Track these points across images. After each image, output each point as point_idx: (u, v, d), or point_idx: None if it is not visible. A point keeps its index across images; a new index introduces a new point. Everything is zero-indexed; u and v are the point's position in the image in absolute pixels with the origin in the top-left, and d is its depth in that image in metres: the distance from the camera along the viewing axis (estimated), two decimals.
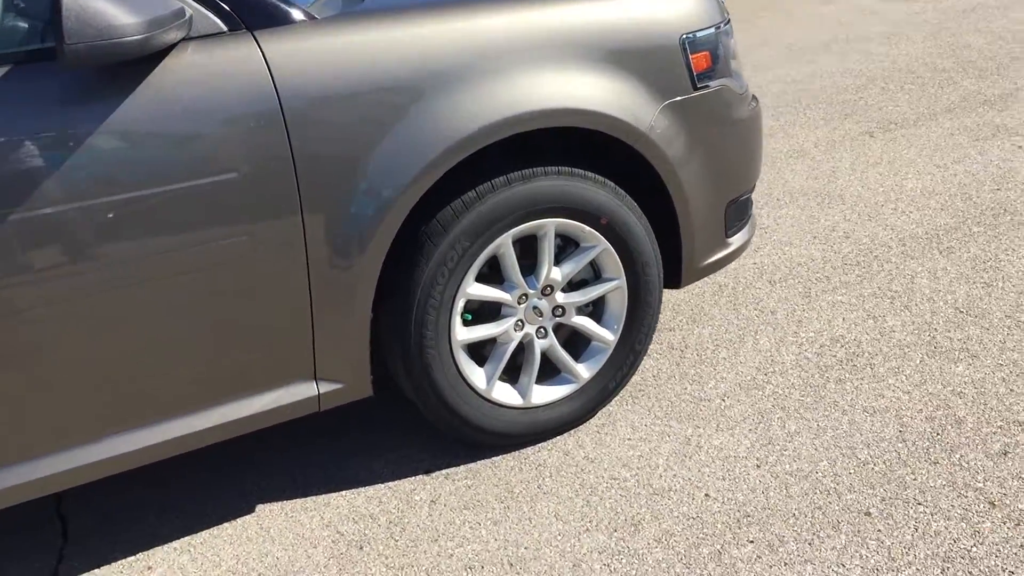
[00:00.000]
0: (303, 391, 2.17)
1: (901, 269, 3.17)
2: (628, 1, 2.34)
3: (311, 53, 1.97)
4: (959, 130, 4.45)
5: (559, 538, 2.12)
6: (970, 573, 1.90)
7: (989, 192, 3.72)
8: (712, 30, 2.45)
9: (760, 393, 2.57)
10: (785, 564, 1.98)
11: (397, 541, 2.17)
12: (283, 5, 1.98)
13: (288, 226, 2.00)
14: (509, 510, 2.23)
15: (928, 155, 4.18)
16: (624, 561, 2.03)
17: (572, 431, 2.49)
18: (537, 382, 2.43)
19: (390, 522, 2.24)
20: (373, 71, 2.02)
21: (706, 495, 2.21)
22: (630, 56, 2.30)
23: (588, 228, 2.34)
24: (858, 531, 2.05)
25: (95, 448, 2.00)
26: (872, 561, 1.96)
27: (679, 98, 2.38)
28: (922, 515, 2.07)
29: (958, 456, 2.25)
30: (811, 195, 3.86)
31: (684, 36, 2.38)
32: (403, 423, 2.59)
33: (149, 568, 2.17)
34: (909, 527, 2.04)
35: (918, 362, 2.64)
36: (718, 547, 2.04)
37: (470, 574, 2.04)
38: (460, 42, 2.11)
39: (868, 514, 2.09)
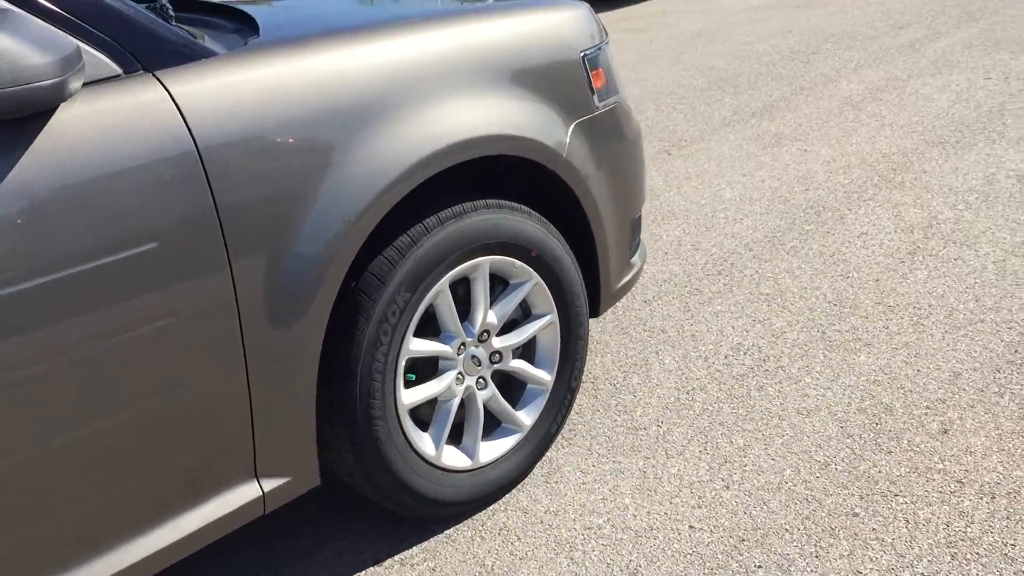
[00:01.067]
0: (245, 494, 1.81)
1: (761, 272, 3.25)
2: (529, 17, 2.20)
3: (229, 88, 1.66)
4: (744, 140, 4.71)
5: None
6: (976, 554, 1.92)
7: (801, 192, 3.93)
8: (602, 47, 2.37)
9: (691, 412, 2.50)
10: None
11: None
12: (183, 40, 1.66)
13: (218, 293, 1.66)
14: None
15: (728, 165, 4.37)
16: None
17: (519, 486, 2.29)
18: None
19: None
20: (292, 109, 1.74)
21: (691, 527, 2.09)
22: (540, 75, 2.16)
23: (519, 263, 2.16)
24: (855, 534, 2.01)
25: None
26: (884, 562, 1.92)
27: (586, 117, 2.27)
28: (905, 506, 2.07)
29: (905, 442, 2.28)
30: (642, 214, 3.90)
31: (583, 53, 2.28)
32: (320, 516, 2.26)
33: None
34: (899, 521, 2.03)
35: (822, 358, 2.69)
36: None
37: None
38: (371, 73, 1.87)
39: (856, 515, 2.06)
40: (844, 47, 6.49)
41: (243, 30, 1.92)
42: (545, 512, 2.19)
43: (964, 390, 2.45)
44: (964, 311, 2.84)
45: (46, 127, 1.47)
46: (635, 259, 2.60)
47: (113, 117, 1.53)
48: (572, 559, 2.03)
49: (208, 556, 2.14)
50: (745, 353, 2.76)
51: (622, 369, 2.74)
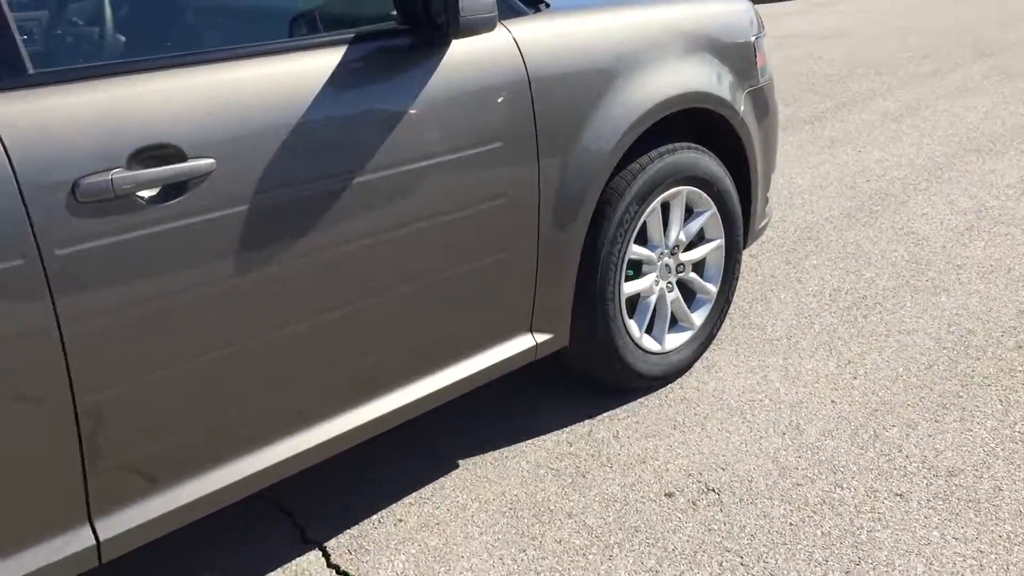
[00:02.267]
0: (523, 343, 2.41)
1: (844, 239, 3.90)
2: (723, 7, 2.85)
3: (548, 33, 2.29)
4: (803, 142, 5.38)
5: (746, 445, 2.52)
6: None
7: (863, 183, 4.60)
8: (762, 34, 3.02)
9: (812, 330, 3.13)
10: (941, 434, 2.52)
11: (611, 466, 2.46)
12: (475, 12, 2.25)
13: (528, 189, 2.27)
14: (686, 434, 2.60)
15: (795, 160, 5.03)
16: (809, 454, 2.47)
17: (688, 372, 2.90)
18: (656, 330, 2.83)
19: (591, 455, 2.52)
20: (599, 47, 2.37)
21: (832, 401, 2.71)
22: (729, 51, 2.80)
23: (704, 195, 2.79)
24: (963, 408, 2.64)
25: (345, 418, 2.11)
26: (988, 424, 2.55)
27: (753, 87, 2.91)
28: (998, 392, 2.71)
29: (990, 352, 2.92)
30: None
31: (753, 37, 2.92)
32: (529, 390, 2.85)
33: (399, 520, 2.29)
34: (995, 401, 2.66)
35: (910, 298, 3.33)
36: (873, 433, 2.55)
37: (692, 479, 2.39)
38: (638, 34, 2.51)
39: (960, 396, 2.69)
40: (874, 72, 7.21)
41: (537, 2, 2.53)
42: (713, 390, 2.81)
43: None
44: (1020, 270, 3.50)
45: (447, 53, 2.08)
46: (768, 210, 3.24)
47: (483, 52, 2.14)
48: (744, 419, 2.65)
49: (443, 412, 2.72)
50: (846, 293, 3.39)
51: (746, 302, 3.37)
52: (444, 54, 2.07)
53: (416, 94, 2.02)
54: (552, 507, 2.32)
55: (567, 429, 2.65)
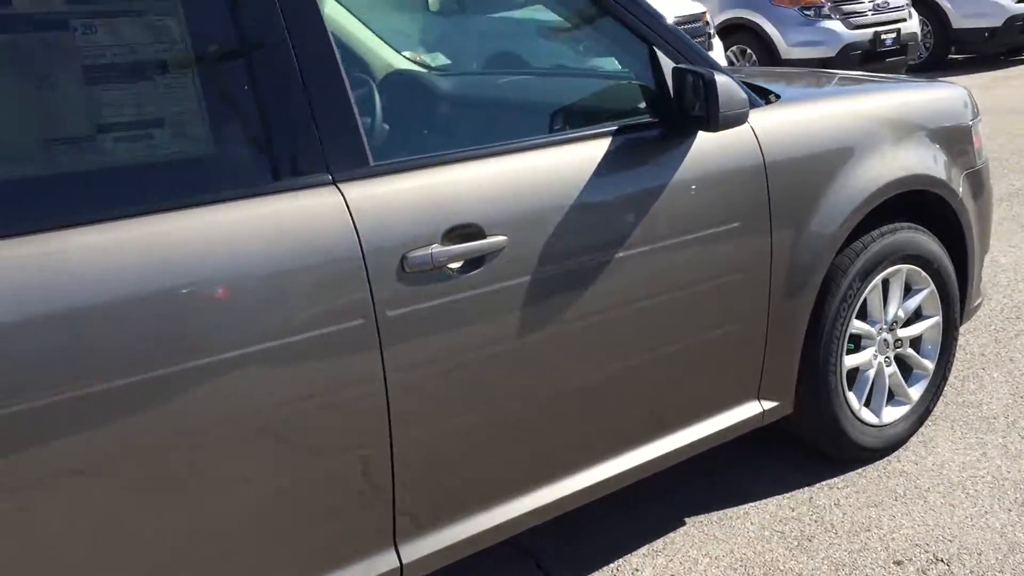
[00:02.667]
0: (751, 409, 2.57)
1: None
2: (939, 93, 2.98)
3: (780, 124, 2.49)
4: (1001, 220, 5.32)
5: (971, 519, 2.58)
6: None
7: None
8: (979, 118, 3.12)
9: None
10: None
11: (836, 532, 2.57)
12: (756, 96, 2.49)
13: (762, 265, 2.46)
14: (908, 505, 2.67)
15: (994, 239, 4.98)
16: None
17: (904, 447, 2.97)
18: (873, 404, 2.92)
19: (814, 520, 2.63)
20: (828, 135, 2.55)
21: None
22: (947, 136, 2.92)
23: (923, 273, 2.89)
24: None
25: (597, 470, 2.32)
26: None
27: (970, 170, 3.01)
28: None
29: None
30: None
31: (971, 121, 3.03)
32: (746, 456, 2.98)
33: (636, 570, 2.47)
34: None
35: None
36: None
37: (920, 549, 2.46)
38: (862, 121, 2.67)
39: None
40: None
41: (767, 92, 2.73)
42: (932, 464, 2.87)
43: None
44: None
45: (695, 143, 2.31)
46: (982, 288, 3.29)
47: (726, 140, 2.36)
48: (967, 493, 2.70)
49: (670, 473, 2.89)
50: None
51: (959, 379, 3.40)
52: (692, 143, 2.31)
53: (669, 179, 2.25)
54: (782, 567, 2.44)
55: (787, 495, 2.77)
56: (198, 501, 1.72)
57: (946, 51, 11.83)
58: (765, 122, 2.47)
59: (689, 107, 2.24)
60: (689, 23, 8.10)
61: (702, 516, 2.69)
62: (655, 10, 2.34)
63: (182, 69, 1.74)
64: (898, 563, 2.43)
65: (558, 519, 2.52)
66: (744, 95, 2.20)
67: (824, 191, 2.55)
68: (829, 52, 10.10)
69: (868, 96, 2.78)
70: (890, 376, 2.92)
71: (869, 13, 10.31)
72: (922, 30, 11.14)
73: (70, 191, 1.62)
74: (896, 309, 2.87)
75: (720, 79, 2.13)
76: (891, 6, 10.39)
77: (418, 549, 2.01)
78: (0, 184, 1.55)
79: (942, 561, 2.42)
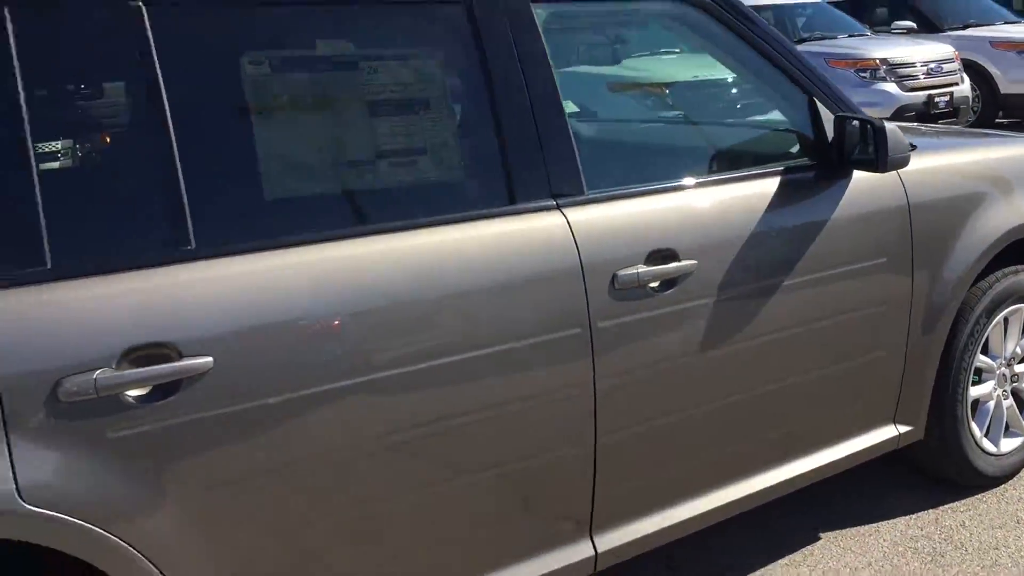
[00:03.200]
0: (887, 433, 2.78)
1: None
2: None
3: (922, 170, 2.72)
4: None
5: None
6: None
7: None
8: None
9: None
10: None
11: (966, 550, 2.75)
12: (898, 153, 2.69)
13: (904, 298, 2.67)
14: None
15: None
16: None
17: (1018, 476, 3.14)
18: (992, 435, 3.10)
19: (943, 539, 2.81)
20: (961, 183, 2.79)
21: None
22: None
23: None
24: None
25: (752, 481, 2.53)
26: None
27: None
28: None
29: None
30: None
31: None
32: (871, 480, 3.17)
33: None
34: None
35: None
36: None
37: None
38: (991, 170, 2.91)
39: None
40: None
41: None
42: None
43: None
44: None
45: (850, 183, 2.54)
46: None
47: (876, 182, 2.59)
48: None
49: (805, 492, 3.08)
50: None
51: None
52: (848, 184, 2.55)
53: (828, 215, 2.49)
54: None
55: (914, 516, 2.95)
56: (443, 483, 1.95)
57: (994, 115, 12.06)
58: (909, 168, 2.70)
59: (850, 151, 2.48)
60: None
61: (836, 531, 2.88)
62: (812, 63, 2.60)
63: (441, 107, 2.01)
64: None
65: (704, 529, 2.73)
66: (907, 142, 2.44)
67: (959, 233, 2.78)
68: (885, 112, 10.33)
69: (994, 148, 3.01)
70: (1008, 408, 3.11)
71: (922, 76, 10.55)
72: (972, 94, 11.39)
73: (355, 207, 1.88)
74: (1015, 346, 3.07)
75: (889, 126, 2.37)
76: (944, 70, 10.65)
77: (611, 540, 2.23)
78: (314, 197, 1.82)
79: None
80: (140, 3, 1.70)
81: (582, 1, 2.30)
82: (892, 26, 11.99)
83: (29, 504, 1.53)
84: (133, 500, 1.62)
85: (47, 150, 1.64)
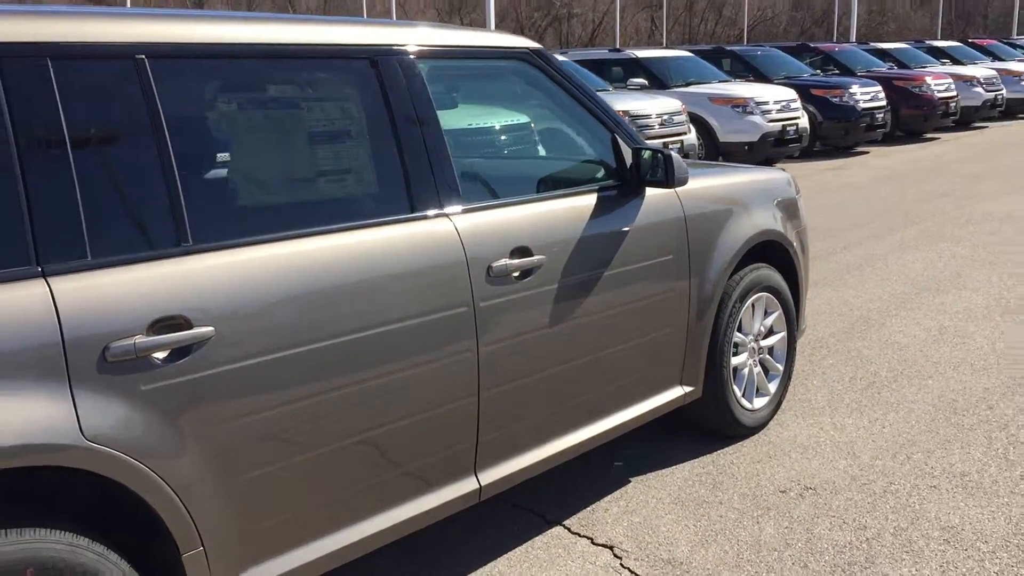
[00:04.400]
0: (677, 392, 3.60)
1: (847, 347, 5.20)
2: (777, 175, 4.23)
3: (692, 190, 3.59)
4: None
5: (824, 464, 3.70)
6: None
7: (848, 311, 5.96)
8: (800, 194, 4.40)
9: (843, 402, 4.36)
10: (949, 456, 3.73)
11: (736, 479, 3.61)
12: (681, 174, 3.54)
13: (685, 286, 3.52)
14: (780, 460, 3.76)
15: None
16: (866, 469, 3.66)
17: (767, 427, 4.08)
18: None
19: (720, 472, 3.66)
20: (718, 200, 3.68)
21: (872, 440, 3.91)
22: (783, 204, 4.16)
23: (775, 299, 4.07)
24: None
25: (579, 433, 3.27)
26: None
27: (798, 229, 4.26)
28: None
29: (971, 412, 4.19)
30: None
31: (797, 195, 4.31)
32: (661, 436, 4.00)
33: (607, 511, 3.38)
34: None
35: (907, 382, 4.60)
36: (906, 456, 3.75)
37: (794, 483, 3.54)
38: (740, 192, 3.85)
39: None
40: (827, 233, 8.75)
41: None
42: (788, 436, 3.99)
43: None
44: (979, 364, 4.82)
45: (644, 199, 3.36)
46: (804, 317, 4.54)
47: (660, 199, 3.43)
48: (816, 452, 3.83)
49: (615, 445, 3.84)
50: (860, 380, 4.65)
51: (795, 382, 4.60)
52: (643, 199, 3.36)
53: (630, 223, 3.28)
54: (708, 499, 3.45)
55: (697, 459, 3.80)
56: (367, 427, 2.51)
57: (715, 159, 13.93)
58: (682, 188, 3.56)
59: (644, 173, 3.29)
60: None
61: (642, 475, 3.66)
62: (611, 106, 3.40)
63: (359, 137, 2.60)
64: (783, 491, 3.50)
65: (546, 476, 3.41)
66: (685, 165, 3.28)
67: (718, 238, 3.67)
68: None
69: (742, 174, 3.97)
70: (757, 375, 4.05)
71: (657, 126, 12.16)
72: (698, 142, 13.18)
73: (304, 212, 2.42)
74: (759, 325, 4.02)
75: (673, 154, 3.20)
76: (675, 122, 12.31)
77: (492, 475, 2.86)
78: (274, 205, 2.35)
79: (811, 489, 3.51)
80: (144, 57, 2.17)
81: (448, 59, 2.96)
82: (628, 83, 13.61)
83: (88, 440, 1.95)
84: (158, 438, 2.07)
85: (88, 168, 2.07)
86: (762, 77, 15.93)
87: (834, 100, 15.12)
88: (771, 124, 13.29)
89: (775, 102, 13.43)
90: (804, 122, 13.79)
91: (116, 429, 2.00)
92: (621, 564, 3.06)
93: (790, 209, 4.22)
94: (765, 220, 3.96)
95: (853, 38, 30.93)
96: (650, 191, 3.39)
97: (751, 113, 13.19)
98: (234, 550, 2.25)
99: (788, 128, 13.39)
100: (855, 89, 15.20)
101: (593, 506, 3.44)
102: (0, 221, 1.93)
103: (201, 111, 2.33)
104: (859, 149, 16.00)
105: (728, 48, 18.46)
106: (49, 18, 2.10)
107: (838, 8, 63.81)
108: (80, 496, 2.11)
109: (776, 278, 4.04)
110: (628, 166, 3.33)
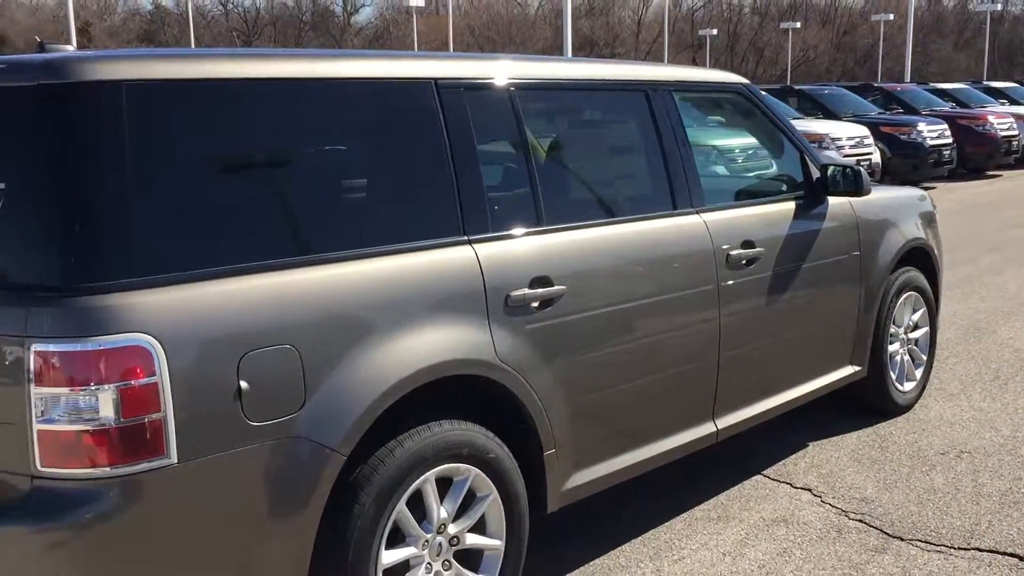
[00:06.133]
0: (849, 370, 4.28)
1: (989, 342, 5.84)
2: (913, 192, 4.93)
3: (861, 201, 4.30)
4: None
5: (970, 434, 4.35)
6: None
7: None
8: (936, 210, 5.09)
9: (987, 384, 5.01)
10: None
11: (899, 444, 4.28)
12: (867, 185, 4.24)
13: (859, 276, 4.22)
14: (932, 430, 4.42)
15: None
16: (1007, 443, 4.31)
17: (913, 408, 4.74)
18: None
19: (883, 440, 4.32)
20: (880, 211, 4.39)
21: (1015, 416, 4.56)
22: (926, 217, 4.85)
23: (921, 298, 4.74)
24: None
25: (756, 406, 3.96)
26: None
27: (936, 238, 4.95)
28: None
29: None
30: None
31: (934, 209, 5.00)
32: (831, 416, 4.67)
33: (793, 465, 4.06)
34: None
35: None
36: None
37: (950, 448, 4.20)
38: (898, 203, 4.56)
39: None
40: None
41: None
42: (936, 415, 4.65)
43: None
44: None
45: (829, 205, 4.07)
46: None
47: (838, 205, 4.14)
48: (962, 424, 4.48)
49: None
50: (995, 369, 5.29)
51: (935, 371, 5.25)
52: (828, 207, 4.07)
53: (821, 225, 4.00)
54: (879, 459, 4.11)
55: (860, 431, 4.46)
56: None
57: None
58: (855, 200, 4.26)
59: (832, 185, 4.00)
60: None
61: (821, 440, 4.34)
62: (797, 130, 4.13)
63: (639, 150, 3.37)
64: (942, 453, 4.16)
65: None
66: (868, 178, 4.00)
67: (880, 243, 4.36)
68: None
69: (892, 191, 4.68)
70: (907, 362, 4.72)
71: (848, 148, 13.45)
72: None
73: (616, 204, 3.19)
74: (908, 319, 4.70)
75: (860, 169, 3.91)
76: (865, 143, 13.74)
77: (727, 421, 3.57)
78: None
79: (966, 452, 4.17)
80: (514, 89, 2.95)
81: (691, 92, 3.71)
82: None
83: (500, 360, 2.69)
84: (533, 363, 2.81)
85: (488, 170, 2.84)
86: (830, 114, 16.62)
87: (902, 137, 15.77)
88: (845, 159, 14.02)
89: (848, 138, 14.15)
90: (876, 157, 14.49)
91: (512, 354, 2.74)
92: (822, 500, 3.74)
93: (930, 221, 4.90)
94: (914, 229, 4.65)
95: (907, 78, 31.54)
96: (831, 200, 4.11)
97: (827, 148, 13.84)
98: (571, 456, 2.98)
99: (861, 163, 14.09)
100: (922, 127, 15.84)
101: (783, 461, 4.12)
102: (444, 207, 2.69)
103: (548, 128, 3.10)
104: (925, 184, 16.58)
105: (796, 87, 19.22)
106: (463, 60, 2.94)
107: (882, 49, 64.40)
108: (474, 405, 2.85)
109: (922, 279, 4.71)
110: (815, 179, 4.05)
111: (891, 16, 65.23)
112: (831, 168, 4.02)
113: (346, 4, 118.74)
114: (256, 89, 2.40)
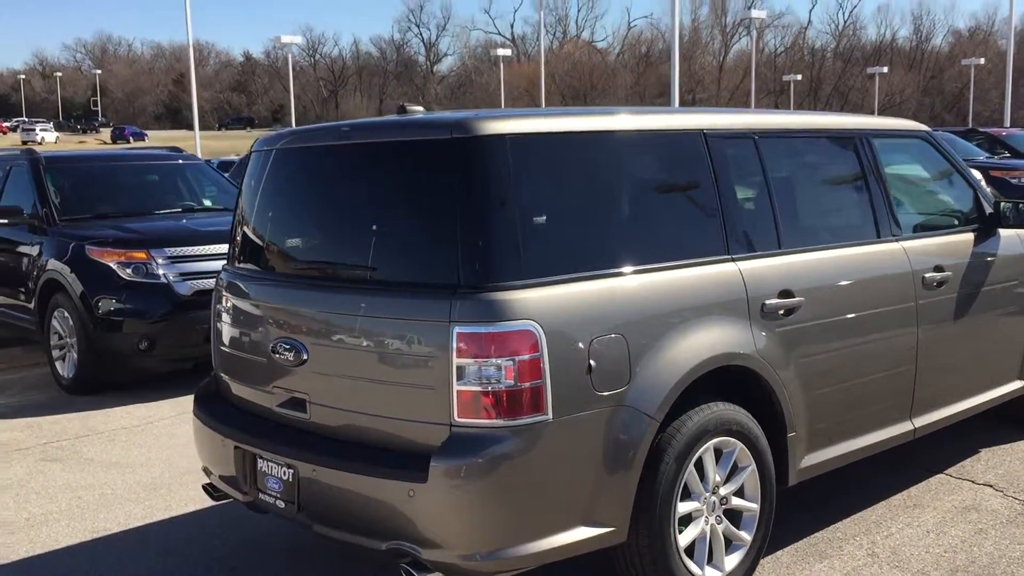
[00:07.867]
0: (1014, 385, 4.78)
1: None
2: None
3: None
4: None
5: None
6: None
7: None
8: None
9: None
10: None
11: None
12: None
13: (1023, 304, 4.73)
14: None
15: None
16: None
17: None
18: None
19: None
20: None
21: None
22: None
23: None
24: None
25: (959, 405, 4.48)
26: None
27: None
28: None
29: None
30: None
31: None
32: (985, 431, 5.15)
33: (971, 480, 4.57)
34: None
35: None
36: None
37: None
38: None
39: None
40: None
41: None
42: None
43: None
44: None
45: (1000, 236, 4.61)
46: None
47: (1009, 236, 4.68)
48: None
49: None
50: None
51: None
52: (999, 236, 4.61)
53: (995, 253, 4.54)
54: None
55: (1012, 443, 4.94)
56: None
57: None
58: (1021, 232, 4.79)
59: (1005, 220, 4.55)
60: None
61: (989, 447, 4.83)
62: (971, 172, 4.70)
63: (851, 186, 4.00)
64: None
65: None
66: None
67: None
68: None
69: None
70: None
71: None
72: None
73: (834, 231, 3.82)
74: None
75: None
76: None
77: (923, 420, 4.12)
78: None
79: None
80: (756, 138, 3.61)
81: (885, 138, 4.32)
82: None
83: (759, 354, 3.33)
84: (780, 359, 3.43)
85: (741, 202, 3.50)
86: None
87: (1012, 181, 15.99)
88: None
89: None
90: None
91: (767, 351, 3.37)
92: (1005, 494, 4.25)
93: None
94: None
95: (1007, 123, 31.47)
96: (1002, 232, 4.65)
97: None
98: (806, 439, 3.57)
99: None
100: None
101: (961, 463, 4.63)
102: (714, 232, 3.37)
103: (782, 169, 3.75)
104: None
105: None
106: (719, 114, 3.67)
107: (972, 93, 63.63)
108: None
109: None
110: (988, 213, 4.60)
111: (982, 60, 64.44)
112: (1002, 204, 4.57)
113: (428, 54, 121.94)
114: (596, 138, 3.16)
